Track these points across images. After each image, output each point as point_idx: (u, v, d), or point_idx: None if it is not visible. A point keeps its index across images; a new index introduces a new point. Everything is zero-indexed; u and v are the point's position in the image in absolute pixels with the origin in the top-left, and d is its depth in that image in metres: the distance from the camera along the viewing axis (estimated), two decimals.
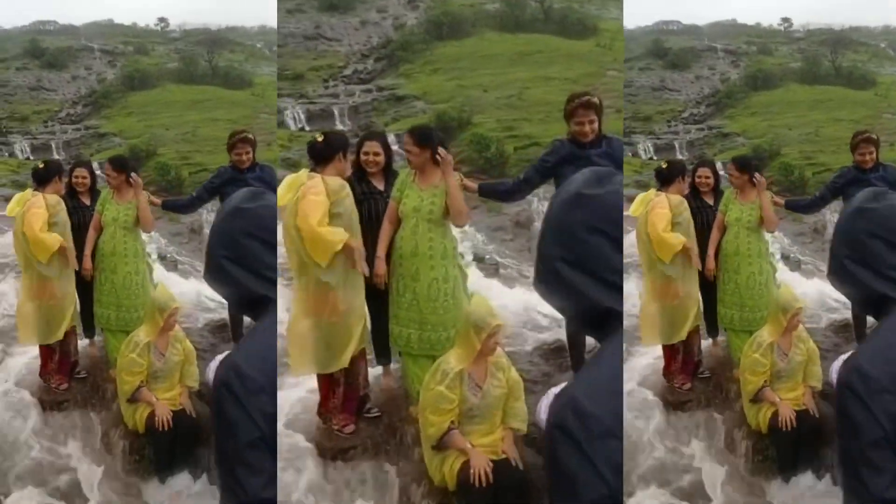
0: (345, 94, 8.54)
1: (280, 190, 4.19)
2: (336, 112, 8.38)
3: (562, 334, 5.02)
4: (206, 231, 6.28)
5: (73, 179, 5.49)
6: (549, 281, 1.74)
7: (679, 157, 7.57)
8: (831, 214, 6.41)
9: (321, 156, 4.30)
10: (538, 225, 6.86)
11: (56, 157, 7.65)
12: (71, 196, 5.47)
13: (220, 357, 4.39)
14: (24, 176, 7.45)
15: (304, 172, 4.26)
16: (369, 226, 4.43)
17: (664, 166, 5.27)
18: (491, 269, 6.34)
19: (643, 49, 8.25)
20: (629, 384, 5.12)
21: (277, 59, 8.59)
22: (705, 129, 8.19)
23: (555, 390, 3.79)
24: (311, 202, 4.11)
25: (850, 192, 5.14)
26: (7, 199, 7.04)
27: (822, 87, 8.47)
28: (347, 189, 4.26)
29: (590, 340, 4.64)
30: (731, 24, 8.90)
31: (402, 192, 4.35)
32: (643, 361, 5.30)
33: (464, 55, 8.65)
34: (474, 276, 5.20)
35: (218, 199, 5.40)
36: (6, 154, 7.79)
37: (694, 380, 5.21)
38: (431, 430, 3.83)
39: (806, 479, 4.52)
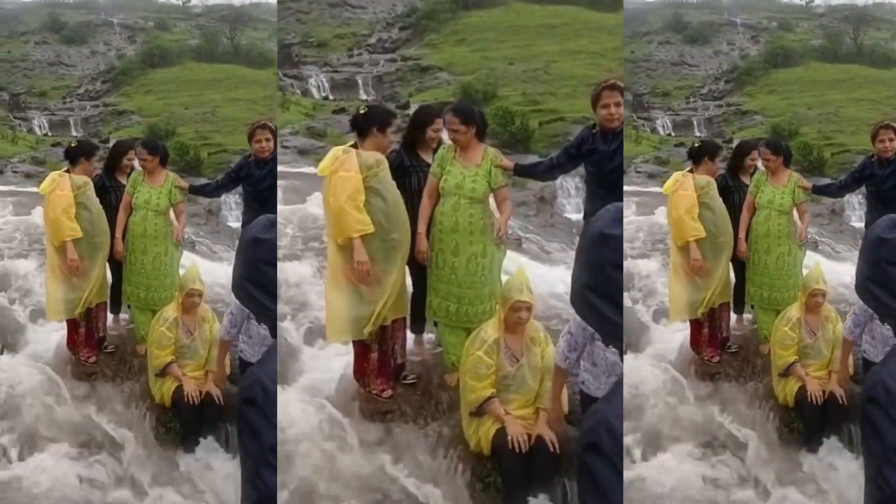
0: (369, 63, 8.51)
1: (323, 162, 4.31)
2: (360, 81, 8.34)
3: None
4: (224, 212, 6.40)
5: (126, 161, 5.60)
6: (580, 303, 2.16)
7: (697, 133, 7.61)
8: (849, 197, 6.63)
9: (359, 128, 4.39)
10: (562, 200, 6.90)
11: (74, 133, 7.67)
12: (108, 175, 5.60)
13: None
14: (43, 152, 7.55)
15: (345, 146, 4.37)
16: (418, 198, 4.54)
17: (696, 145, 5.37)
18: (513, 244, 6.43)
19: (662, 22, 8.30)
20: (659, 354, 5.37)
21: (301, 25, 8.60)
22: (724, 106, 8.18)
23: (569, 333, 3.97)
24: (340, 178, 4.22)
25: (870, 183, 5.39)
26: (27, 176, 7.18)
27: (844, 66, 8.42)
28: (384, 164, 4.35)
29: None
30: None
31: (442, 168, 4.44)
32: (674, 334, 5.50)
33: (490, 26, 8.56)
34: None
35: (242, 186, 5.52)
36: (25, 130, 7.82)
37: (723, 353, 5.38)
38: (472, 396, 3.97)
39: (833, 454, 4.70)
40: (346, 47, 8.51)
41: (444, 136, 4.67)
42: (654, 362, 5.30)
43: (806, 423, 4.79)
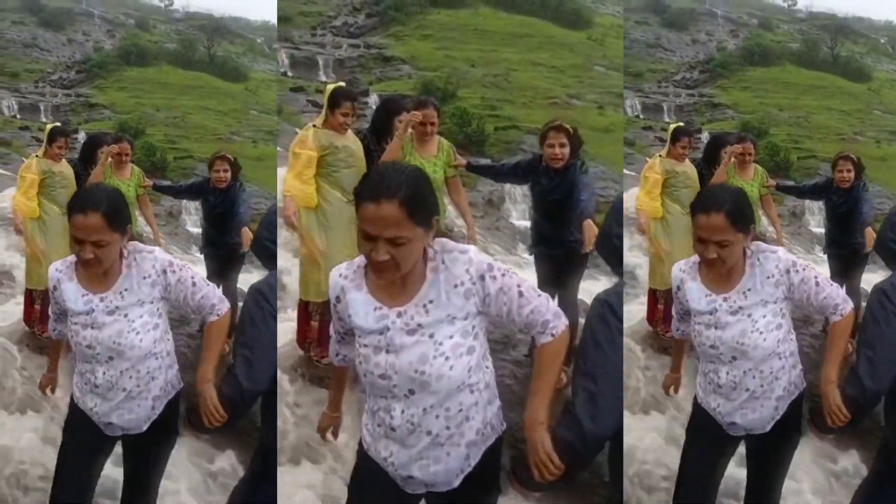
0: (332, 45, 8.59)
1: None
2: (321, 62, 8.49)
3: None
4: (184, 217, 6.99)
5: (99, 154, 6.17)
6: (607, 244, 3.15)
7: (666, 119, 7.77)
8: (809, 202, 7.24)
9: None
10: (508, 205, 7.37)
11: (44, 119, 7.89)
12: (83, 165, 6.23)
13: None
14: (10, 134, 7.84)
15: (312, 124, 5.07)
16: None
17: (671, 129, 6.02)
18: (459, 241, 6.77)
19: (643, 2, 8.52)
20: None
21: None
22: (696, 96, 8.34)
23: None
24: (293, 154, 5.01)
25: (827, 202, 6.08)
26: None
27: (818, 73, 8.62)
28: (342, 148, 5.00)
29: None
30: None
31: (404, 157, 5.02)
32: (636, 307, 6.06)
33: (456, 26, 8.68)
34: None
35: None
36: None
37: None
38: None
39: None
40: (310, 26, 8.58)
41: None
42: None
43: None
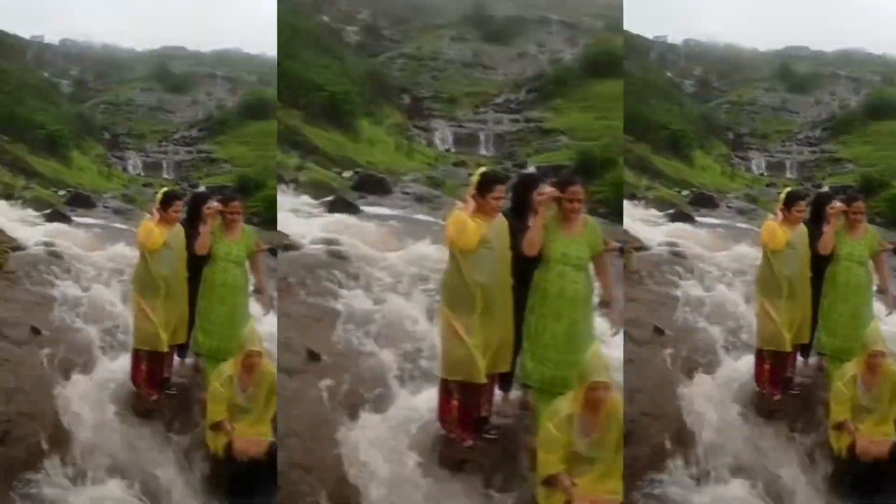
0: (493, 121, 8.86)
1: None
2: (482, 138, 8.70)
3: None
4: None
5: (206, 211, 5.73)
6: None
7: (789, 175, 8.23)
8: None
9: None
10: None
11: (166, 175, 7.98)
12: (191, 223, 5.76)
13: None
14: (134, 190, 7.89)
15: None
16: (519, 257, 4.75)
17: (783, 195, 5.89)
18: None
19: (770, 71, 9.03)
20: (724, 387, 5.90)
21: (435, 81, 9.05)
22: (818, 153, 8.69)
23: None
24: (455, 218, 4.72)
25: None
26: (116, 211, 7.57)
27: None
28: (491, 238, 4.69)
29: None
30: (857, 52, 9.47)
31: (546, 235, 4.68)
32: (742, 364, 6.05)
33: (616, 95, 8.79)
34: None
35: None
36: (119, 168, 8.18)
37: (784, 393, 5.76)
38: (541, 469, 4.22)
39: None
40: (474, 104, 8.88)
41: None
42: (718, 389, 5.82)
43: (856, 477, 5.13)
